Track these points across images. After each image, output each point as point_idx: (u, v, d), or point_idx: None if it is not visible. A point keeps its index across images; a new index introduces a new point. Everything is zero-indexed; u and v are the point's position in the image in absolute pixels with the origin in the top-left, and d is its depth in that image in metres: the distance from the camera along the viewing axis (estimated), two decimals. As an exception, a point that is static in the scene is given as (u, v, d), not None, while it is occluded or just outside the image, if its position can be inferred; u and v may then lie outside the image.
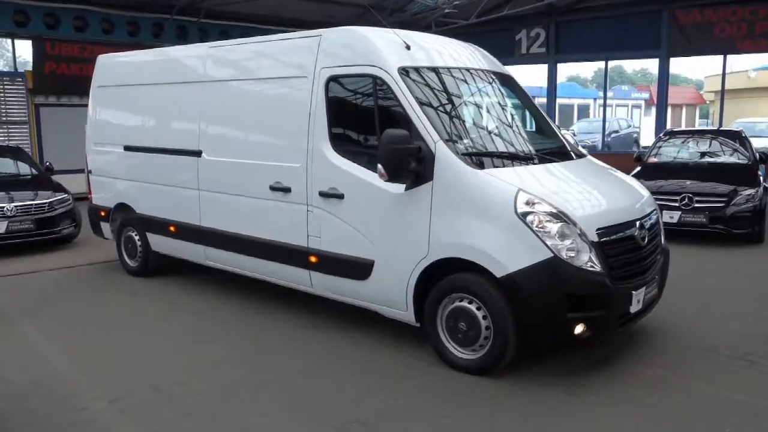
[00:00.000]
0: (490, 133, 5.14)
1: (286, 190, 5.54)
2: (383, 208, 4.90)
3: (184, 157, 6.55)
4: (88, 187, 8.09)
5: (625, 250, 4.57)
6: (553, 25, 18.76)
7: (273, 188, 5.63)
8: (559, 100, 31.00)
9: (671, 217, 8.84)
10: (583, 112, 31.66)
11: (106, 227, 7.92)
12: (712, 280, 7.18)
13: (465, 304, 4.53)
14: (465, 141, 4.81)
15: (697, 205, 8.76)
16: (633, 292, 4.52)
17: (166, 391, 4.35)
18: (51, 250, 9.07)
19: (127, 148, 7.35)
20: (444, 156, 4.56)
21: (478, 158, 4.65)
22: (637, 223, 4.68)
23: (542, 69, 19.61)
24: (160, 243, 7.14)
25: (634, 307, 4.57)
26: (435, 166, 4.58)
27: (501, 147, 5.06)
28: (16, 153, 10.48)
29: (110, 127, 7.68)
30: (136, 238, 7.43)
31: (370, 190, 4.94)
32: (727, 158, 10.01)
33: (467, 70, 5.43)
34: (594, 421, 3.89)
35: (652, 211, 5.11)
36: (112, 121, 7.67)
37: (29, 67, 14.79)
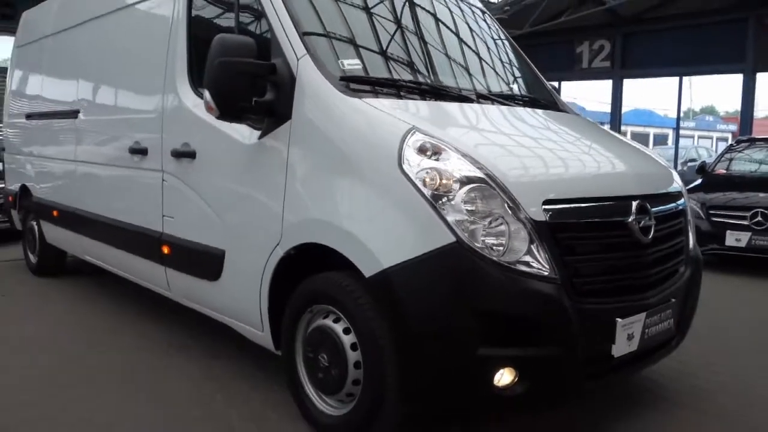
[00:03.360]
0: (403, 59, 3.24)
1: (143, 152, 3.92)
2: (234, 169, 3.19)
3: (65, 120, 5.08)
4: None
5: (605, 245, 2.62)
6: (619, 37, 16.69)
7: (132, 151, 4.02)
8: (632, 128, 28.63)
9: (738, 239, 6.61)
10: (661, 141, 28.74)
11: (15, 215, 6.56)
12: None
13: (329, 322, 2.71)
14: (351, 61, 3.00)
15: (774, 224, 6.50)
16: (619, 320, 2.55)
17: None
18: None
19: (29, 116, 5.97)
20: (308, 78, 2.80)
21: (365, 85, 2.86)
22: (635, 203, 2.72)
23: (607, 86, 17.44)
24: (50, 233, 5.67)
25: (623, 348, 2.58)
26: (296, 97, 2.83)
27: (415, 77, 3.20)
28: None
29: (20, 93, 6.34)
30: (36, 228, 6.00)
31: (220, 143, 3.25)
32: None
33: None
34: None
35: (670, 193, 3.13)
36: (23, 86, 6.33)
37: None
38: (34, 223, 6.00)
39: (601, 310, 2.52)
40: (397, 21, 3.41)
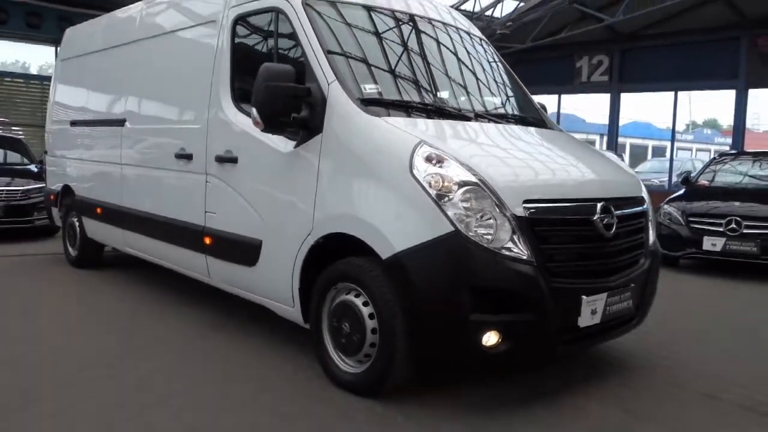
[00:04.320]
0: (414, 83, 3.93)
1: (188, 157, 4.58)
2: (272, 172, 3.85)
3: (112, 128, 5.74)
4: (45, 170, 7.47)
5: (574, 237, 3.28)
6: (618, 52, 17.33)
7: (178, 156, 4.69)
8: (631, 140, 29.23)
9: (713, 244, 7.24)
10: (659, 154, 29.35)
11: (55, 213, 7.22)
12: (743, 319, 5.57)
13: (351, 297, 3.36)
14: (371, 86, 3.67)
15: (746, 231, 7.11)
16: (584, 297, 3.20)
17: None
18: (26, 240, 8.42)
19: (74, 123, 6.65)
20: (337, 100, 3.46)
21: (383, 107, 3.52)
22: (600, 205, 3.37)
23: (605, 99, 18.06)
24: (92, 228, 6.33)
25: (587, 320, 3.24)
26: (327, 114, 3.49)
27: (423, 99, 3.87)
28: (13, 143, 10.17)
29: (64, 102, 7.03)
30: (77, 224, 6.65)
31: (260, 151, 3.91)
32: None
33: (414, 16, 4.32)
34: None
35: (633, 198, 3.79)
36: (67, 96, 7.01)
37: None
38: (75, 219, 6.65)
39: (569, 289, 3.17)
40: (408, 50, 4.08)
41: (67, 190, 6.81)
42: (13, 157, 9.79)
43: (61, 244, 7.25)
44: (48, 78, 14.79)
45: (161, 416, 3.00)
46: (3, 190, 8.40)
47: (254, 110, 3.47)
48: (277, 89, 3.40)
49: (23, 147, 10.27)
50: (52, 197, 7.17)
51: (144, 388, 3.36)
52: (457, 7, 15.28)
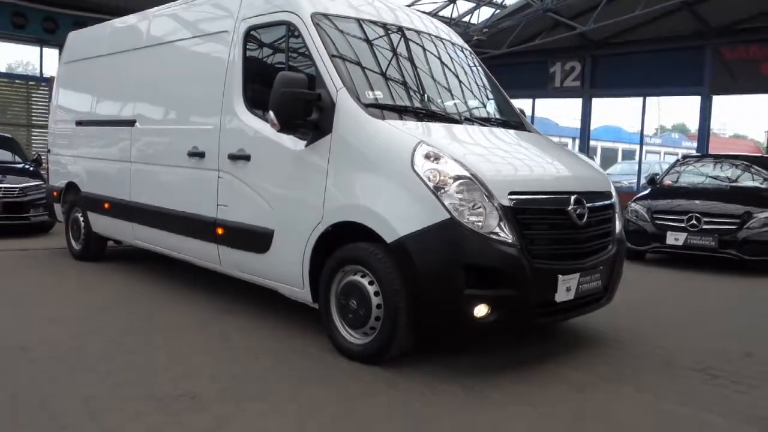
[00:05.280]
0: (409, 89, 4.43)
1: (201, 155, 5.01)
2: (283, 168, 4.30)
3: (121, 127, 6.13)
4: (47, 168, 7.79)
5: (551, 224, 3.80)
6: (589, 59, 18.00)
7: (190, 154, 5.11)
8: (602, 143, 30.18)
9: (676, 239, 7.87)
10: (629, 157, 30.32)
11: (58, 208, 7.55)
12: (700, 303, 6.19)
13: (358, 278, 3.83)
14: (375, 92, 4.15)
15: (705, 227, 7.75)
16: (560, 276, 3.73)
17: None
18: (23, 236, 8.73)
19: (79, 123, 7.01)
20: (345, 104, 3.94)
21: (385, 111, 4.00)
22: (573, 197, 3.90)
23: (577, 104, 18.77)
24: (98, 223, 6.69)
25: (562, 296, 3.77)
26: (335, 117, 3.96)
27: (418, 103, 4.38)
28: (7, 142, 10.40)
29: (68, 103, 7.38)
30: (81, 219, 7.00)
31: (273, 149, 4.36)
32: (751, 182, 8.96)
33: (405, 28, 4.82)
34: (482, 420, 3.10)
35: (602, 192, 4.33)
36: (71, 97, 7.37)
37: (55, 74, 15.02)
38: (79, 215, 7.01)
39: (547, 269, 3.69)
40: (405, 60, 4.58)
41: (71, 186, 7.15)
42: (5, 155, 10.03)
43: (59, 239, 7.58)
44: (33, 78, 15.10)
45: (198, 383, 3.42)
46: (1, 188, 8.68)
47: (271, 113, 3.93)
48: (292, 95, 3.87)
49: (16, 146, 10.52)
50: (55, 193, 7.50)
51: (175, 361, 3.78)
52: (435, 14, 15.86)
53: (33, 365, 3.62)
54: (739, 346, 4.55)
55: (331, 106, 3.97)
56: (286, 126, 3.98)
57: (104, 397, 3.16)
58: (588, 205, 3.99)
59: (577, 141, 19.07)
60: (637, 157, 28.59)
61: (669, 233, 7.92)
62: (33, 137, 14.88)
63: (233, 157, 4.66)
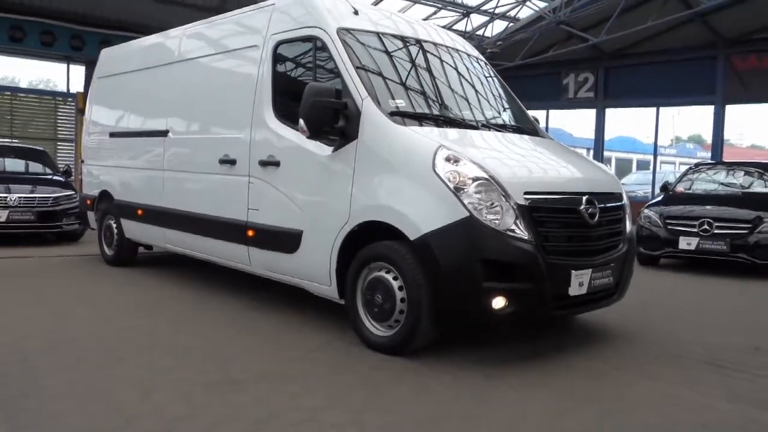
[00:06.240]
0: (428, 98, 4.72)
1: (232, 162, 5.31)
2: (312, 173, 4.59)
3: (154, 138, 6.47)
4: (80, 177, 8.16)
5: (564, 223, 4.05)
6: (602, 70, 18.25)
7: (222, 161, 5.42)
8: (616, 154, 30.22)
9: (688, 243, 8.05)
10: (643, 167, 30.37)
11: (91, 216, 7.90)
12: (711, 304, 6.38)
13: (383, 274, 4.10)
14: (397, 101, 4.45)
15: (717, 231, 7.93)
16: (573, 271, 3.97)
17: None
18: (55, 244, 9.12)
19: (113, 135, 7.37)
20: (369, 112, 4.23)
21: (406, 118, 4.28)
22: (585, 197, 4.14)
23: (591, 115, 18.97)
24: (131, 229, 7.02)
25: (575, 290, 4.00)
26: (360, 124, 4.25)
27: (437, 111, 4.66)
28: (39, 155, 10.82)
29: (101, 116, 7.76)
30: (114, 225, 7.34)
31: (301, 155, 4.66)
32: (764, 188, 9.11)
33: (423, 41, 5.12)
34: (502, 402, 3.34)
35: (613, 193, 4.56)
36: (104, 110, 7.74)
37: (81, 89, 15.53)
38: (112, 221, 7.35)
39: (561, 264, 3.93)
40: (424, 70, 4.88)
41: (104, 195, 7.50)
42: (36, 167, 10.45)
43: (91, 247, 7.91)
44: (60, 93, 15.61)
45: (236, 370, 3.70)
46: (35, 197, 9.08)
47: (302, 121, 4.23)
48: (321, 104, 4.17)
49: (47, 158, 10.94)
50: (88, 202, 7.85)
51: (213, 352, 4.06)
52: (449, 27, 16.19)
53: (84, 354, 3.91)
54: (748, 341, 4.74)
55: (356, 114, 4.26)
56: (315, 133, 4.28)
57: (154, 381, 3.45)
58: (599, 205, 4.23)
59: (591, 152, 19.22)
60: (651, 167, 28.71)
61: (681, 238, 8.10)
62: (59, 151, 15.37)
63: (264, 164, 4.96)
